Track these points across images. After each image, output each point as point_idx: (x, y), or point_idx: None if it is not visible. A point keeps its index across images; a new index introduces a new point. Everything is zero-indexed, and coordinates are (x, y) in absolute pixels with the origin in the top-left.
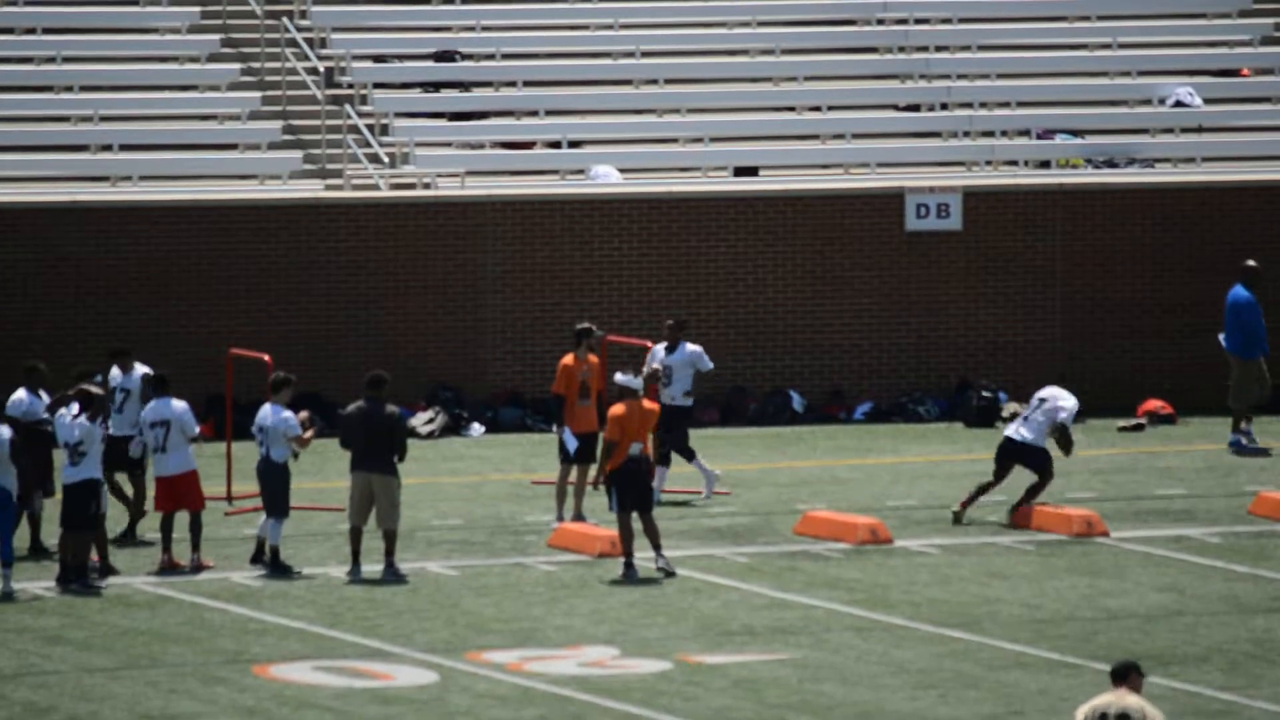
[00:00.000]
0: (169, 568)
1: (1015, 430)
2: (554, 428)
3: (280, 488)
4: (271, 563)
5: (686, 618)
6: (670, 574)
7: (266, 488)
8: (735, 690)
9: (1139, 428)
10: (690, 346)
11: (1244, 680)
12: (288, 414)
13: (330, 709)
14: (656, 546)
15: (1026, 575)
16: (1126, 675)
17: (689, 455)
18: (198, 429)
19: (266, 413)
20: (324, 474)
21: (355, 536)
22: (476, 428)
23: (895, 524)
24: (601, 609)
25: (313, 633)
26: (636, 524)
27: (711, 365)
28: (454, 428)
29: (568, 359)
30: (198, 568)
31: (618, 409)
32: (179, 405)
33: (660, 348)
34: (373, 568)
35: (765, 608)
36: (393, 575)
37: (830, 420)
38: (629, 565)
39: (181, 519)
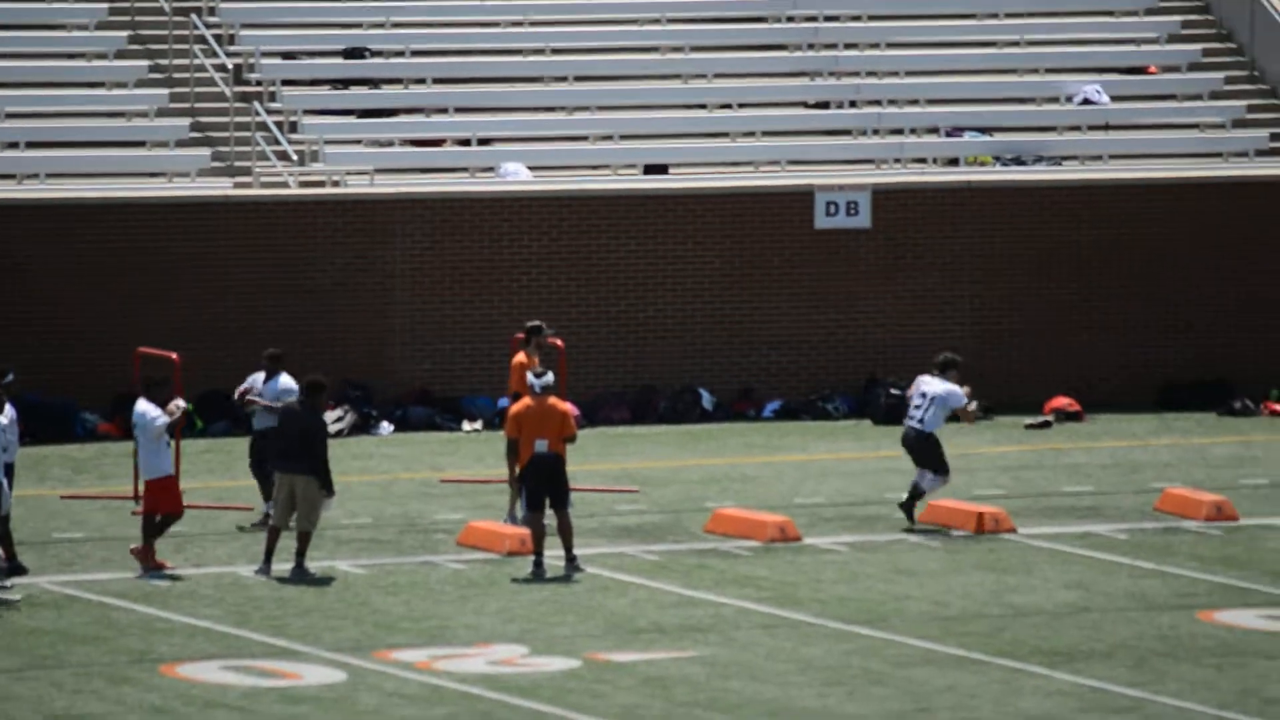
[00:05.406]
0: (154, 567)
1: None
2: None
3: None
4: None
5: (595, 616)
6: (578, 571)
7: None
8: (644, 688)
9: (1046, 425)
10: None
11: (1150, 676)
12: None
13: (238, 708)
14: (567, 548)
15: (934, 572)
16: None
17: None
18: (157, 423)
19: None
20: (232, 473)
21: (273, 535)
22: (385, 426)
23: (804, 521)
24: (510, 607)
25: (220, 632)
26: (550, 521)
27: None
28: (363, 426)
29: (520, 357)
30: (139, 554)
31: (516, 406)
32: (139, 408)
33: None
34: (283, 567)
35: (674, 605)
36: (300, 575)
37: (740, 418)
38: (538, 564)
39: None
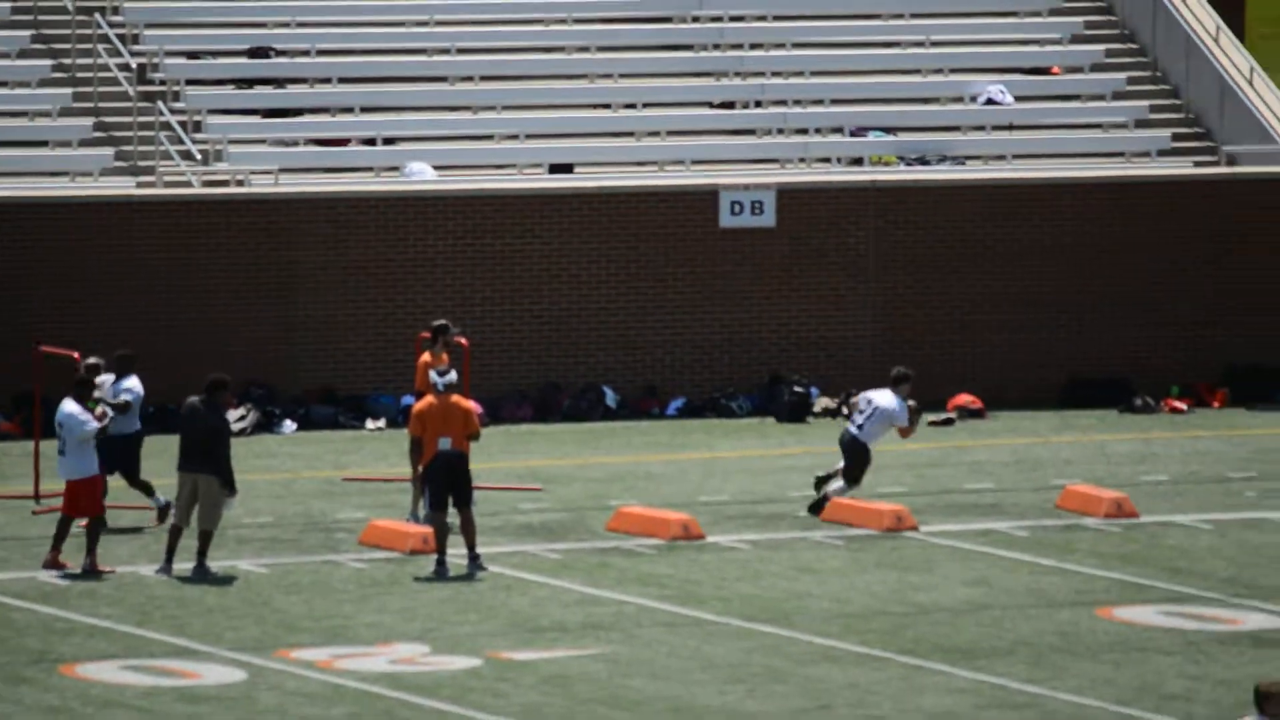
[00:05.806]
0: (52, 565)
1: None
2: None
3: None
4: None
5: (497, 614)
6: (481, 569)
7: None
8: (545, 686)
9: (949, 422)
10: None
11: (1048, 673)
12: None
13: (137, 708)
14: (470, 546)
15: (836, 570)
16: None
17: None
18: (87, 427)
19: None
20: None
21: (174, 534)
22: (288, 425)
23: (707, 520)
24: (413, 606)
25: (120, 632)
26: (454, 520)
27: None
28: (265, 425)
29: (425, 356)
30: (91, 570)
31: (419, 404)
32: (67, 409)
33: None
34: (184, 566)
35: (576, 604)
36: (201, 575)
37: (643, 416)
38: (441, 562)
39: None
